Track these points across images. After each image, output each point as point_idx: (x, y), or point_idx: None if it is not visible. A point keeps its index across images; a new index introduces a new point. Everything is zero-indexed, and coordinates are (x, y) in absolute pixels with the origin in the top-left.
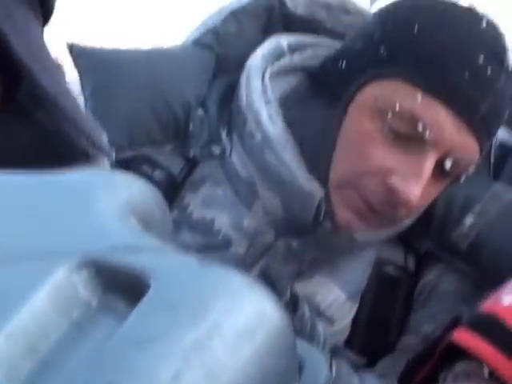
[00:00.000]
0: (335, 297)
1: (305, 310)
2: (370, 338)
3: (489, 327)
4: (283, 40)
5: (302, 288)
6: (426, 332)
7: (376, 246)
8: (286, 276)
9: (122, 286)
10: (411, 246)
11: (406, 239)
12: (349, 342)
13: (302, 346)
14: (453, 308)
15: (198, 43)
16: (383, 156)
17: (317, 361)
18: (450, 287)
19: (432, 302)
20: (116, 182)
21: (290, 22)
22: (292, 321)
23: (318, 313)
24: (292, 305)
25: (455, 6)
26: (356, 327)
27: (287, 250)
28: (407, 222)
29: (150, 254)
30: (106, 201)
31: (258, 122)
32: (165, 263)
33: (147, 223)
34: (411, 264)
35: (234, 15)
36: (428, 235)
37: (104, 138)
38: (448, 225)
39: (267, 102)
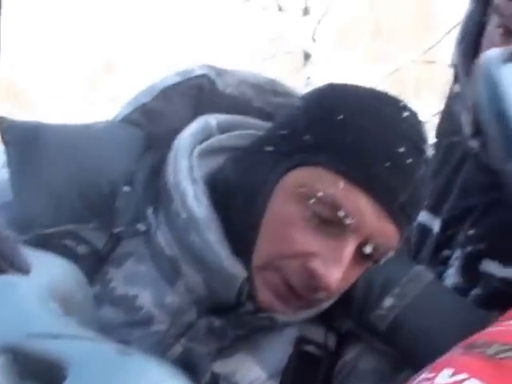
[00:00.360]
0: (256, 376)
1: None
2: None
3: None
4: (212, 120)
5: (222, 366)
6: None
7: (297, 324)
8: (207, 355)
9: (39, 374)
10: (332, 326)
11: (327, 319)
12: None
13: None
14: None
15: (128, 120)
16: (305, 240)
17: None
18: (369, 366)
19: (351, 381)
20: (37, 264)
21: (220, 102)
22: None
23: None
24: None
25: (378, 95)
26: None
27: (209, 328)
28: (328, 303)
29: (68, 341)
30: (26, 285)
31: (184, 202)
32: (83, 351)
33: (68, 304)
34: (332, 343)
35: (165, 93)
36: (348, 315)
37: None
38: (368, 306)
39: (193, 182)
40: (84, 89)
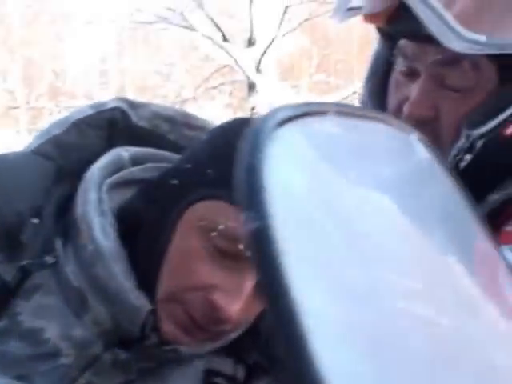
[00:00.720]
0: None
1: None
2: None
3: None
4: (124, 152)
5: None
6: None
7: (206, 357)
8: None
9: None
10: (241, 357)
11: (235, 350)
12: None
13: None
14: None
15: (38, 152)
16: (206, 273)
17: None
18: None
19: None
20: None
21: (133, 134)
22: None
23: None
24: None
25: None
26: None
27: (114, 361)
28: (234, 334)
29: None
30: None
31: (91, 234)
32: None
33: None
34: (240, 375)
35: (77, 126)
36: (256, 347)
37: None
38: (273, 339)
39: (102, 214)
40: None
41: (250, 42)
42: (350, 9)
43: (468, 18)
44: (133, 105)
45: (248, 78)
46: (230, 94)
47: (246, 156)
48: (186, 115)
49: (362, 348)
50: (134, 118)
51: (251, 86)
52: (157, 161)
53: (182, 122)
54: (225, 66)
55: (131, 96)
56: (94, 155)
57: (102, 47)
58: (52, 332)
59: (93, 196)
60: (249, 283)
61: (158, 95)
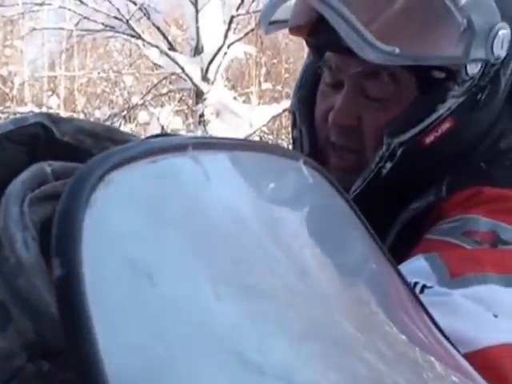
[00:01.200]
0: None
1: None
2: None
3: None
4: (46, 166)
5: None
6: None
7: None
8: None
9: None
10: None
11: None
12: None
13: None
14: None
15: None
16: None
17: None
18: None
19: None
20: None
21: (56, 149)
22: None
23: None
24: None
25: None
26: None
27: (38, 373)
28: None
29: None
30: None
31: (12, 247)
32: None
33: None
34: None
35: None
36: None
37: None
38: None
39: (24, 228)
40: None
41: (197, 51)
42: (275, 22)
43: (387, 32)
44: (55, 119)
45: (195, 85)
46: (180, 100)
47: (63, 201)
48: (110, 130)
49: None
50: (57, 134)
51: (198, 95)
52: None
53: (104, 137)
54: (172, 74)
55: (81, 102)
56: (16, 171)
57: (50, 54)
58: None
59: (15, 210)
60: None
61: (106, 101)
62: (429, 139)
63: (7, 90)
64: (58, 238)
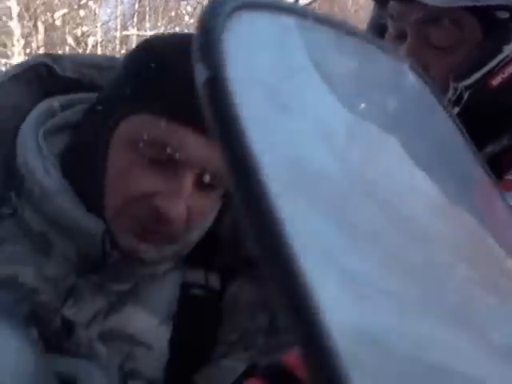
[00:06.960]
0: (147, 324)
1: (80, 334)
2: (187, 355)
3: (280, 379)
4: (54, 102)
5: (115, 321)
6: (232, 340)
7: (179, 271)
8: (92, 313)
9: None
10: (211, 265)
11: (202, 260)
12: (170, 363)
13: (78, 365)
14: (254, 316)
15: None
16: (144, 182)
17: (90, 373)
18: (251, 297)
19: (235, 313)
20: None
21: (60, 86)
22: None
23: (136, 342)
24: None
25: (189, 37)
26: (173, 348)
27: (90, 287)
28: (193, 237)
29: None
30: None
31: (34, 177)
32: None
33: None
34: (214, 282)
35: (2, 86)
36: (221, 252)
37: None
38: (239, 242)
39: (42, 158)
40: None
41: None
42: None
43: None
44: (55, 58)
45: None
46: None
47: (206, 13)
48: (110, 59)
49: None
50: (59, 70)
51: None
52: (87, 103)
53: (107, 66)
54: None
55: None
56: (25, 111)
57: (122, 16)
58: (26, 275)
59: (32, 144)
60: (185, 183)
61: None
62: (495, 81)
63: (80, 51)
64: (202, 44)
